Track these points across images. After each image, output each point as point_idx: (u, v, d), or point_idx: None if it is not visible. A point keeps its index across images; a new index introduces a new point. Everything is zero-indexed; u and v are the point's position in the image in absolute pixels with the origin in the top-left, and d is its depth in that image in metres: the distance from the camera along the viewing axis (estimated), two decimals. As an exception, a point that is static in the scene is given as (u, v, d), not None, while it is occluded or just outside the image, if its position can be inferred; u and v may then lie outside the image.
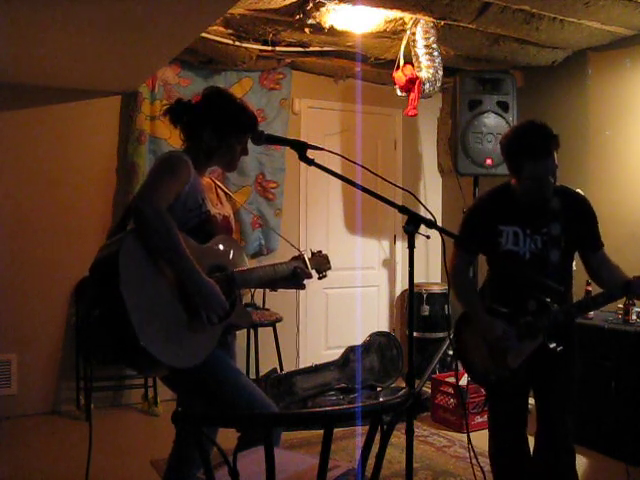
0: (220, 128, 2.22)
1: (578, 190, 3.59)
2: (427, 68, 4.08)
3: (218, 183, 2.43)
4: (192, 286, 2.00)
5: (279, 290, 2.58)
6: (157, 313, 1.94)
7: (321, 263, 2.56)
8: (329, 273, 2.65)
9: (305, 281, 2.45)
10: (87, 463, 2.00)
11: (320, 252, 2.59)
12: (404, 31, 4.10)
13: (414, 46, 4.06)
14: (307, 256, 2.49)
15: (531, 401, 2.60)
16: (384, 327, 5.62)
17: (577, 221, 2.46)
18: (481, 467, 2.79)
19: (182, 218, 2.11)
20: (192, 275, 1.99)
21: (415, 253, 1.89)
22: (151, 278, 1.97)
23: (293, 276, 2.40)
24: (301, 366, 5.03)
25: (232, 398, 2.14)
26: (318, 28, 3.99)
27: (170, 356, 1.94)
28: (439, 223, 1.90)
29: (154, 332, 1.90)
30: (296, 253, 2.50)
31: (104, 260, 1.94)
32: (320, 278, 2.59)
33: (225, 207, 2.38)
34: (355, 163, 2.27)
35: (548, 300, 2.36)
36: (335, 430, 1.38)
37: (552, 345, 2.36)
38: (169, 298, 1.99)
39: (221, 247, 2.22)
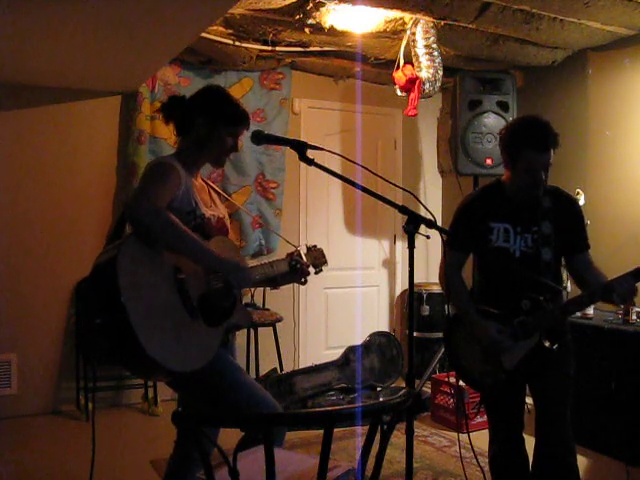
0: (211, 116, 2.23)
1: (578, 190, 3.60)
2: (427, 68, 4.08)
3: (210, 184, 2.43)
4: (218, 268, 2.08)
5: (280, 288, 2.58)
6: (160, 319, 1.93)
7: (317, 257, 2.56)
8: (329, 273, 2.65)
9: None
10: (91, 463, 1.99)
11: (315, 246, 2.58)
12: (404, 31, 4.10)
13: (414, 46, 4.06)
14: (303, 251, 2.49)
15: (529, 400, 2.60)
16: (384, 327, 5.62)
17: (566, 221, 2.46)
18: (481, 467, 2.79)
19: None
20: (216, 260, 2.07)
21: (415, 253, 1.89)
22: (152, 283, 1.95)
23: (291, 271, 2.41)
24: (301, 366, 5.03)
25: (238, 398, 2.14)
26: (318, 28, 3.99)
27: (177, 361, 1.93)
28: (439, 223, 1.90)
29: (159, 340, 1.89)
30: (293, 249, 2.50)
31: (103, 267, 1.92)
32: (317, 273, 2.58)
33: (219, 208, 2.37)
34: (355, 163, 2.28)
35: (542, 299, 2.36)
36: (335, 430, 1.38)
37: (548, 344, 2.36)
38: (171, 302, 1.98)
39: (218, 248, 2.22)
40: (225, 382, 2.16)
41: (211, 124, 2.23)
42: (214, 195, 2.40)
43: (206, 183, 2.40)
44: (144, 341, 1.82)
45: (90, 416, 4.28)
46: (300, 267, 2.42)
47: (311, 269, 2.51)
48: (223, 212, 2.38)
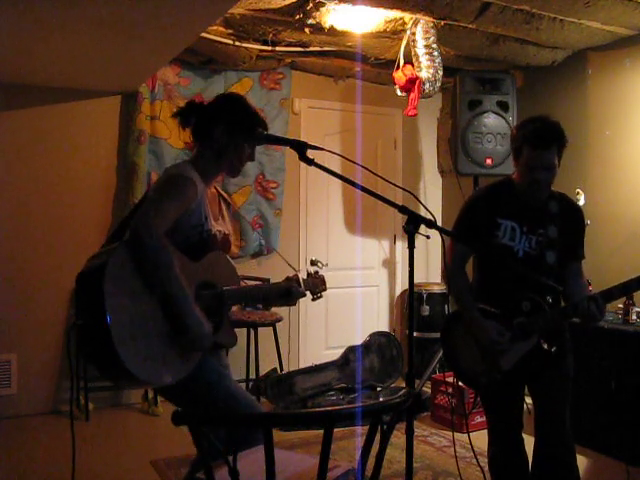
0: (232, 126, 2.20)
1: (578, 190, 3.59)
2: (427, 68, 4.08)
3: (221, 192, 2.41)
4: (185, 321, 1.96)
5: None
6: (140, 330, 1.92)
7: (316, 284, 2.51)
8: (330, 273, 2.63)
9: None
10: (72, 462, 1.98)
11: (317, 273, 2.54)
12: (404, 31, 4.10)
13: (414, 46, 4.06)
14: (302, 276, 2.46)
15: (529, 401, 2.60)
16: (384, 327, 5.62)
17: (570, 228, 2.47)
18: (481, 467, 2.79)
19: (185, 234, 2.11)
20: (188, 312, 1.96)
21: (415, 253, 1.89)
22: (137, 293, 1.94)
23: (287, 294, 2.37)
24: (301, 366, 5.03)
25: (220, 404, 2.13)
26: (318, 28, 3.99)
27: (149, 374, 1.92)
28: (439, 223, 1.90)
29: (135, 349, 1.88)
30: (291, 271, 2.49)
31: (91, 271, 1.92)
32: (314, 299, 2.54)
33: (225, 221, 2.36)
34: (355, 163, 2.27)
35: (542, 301, 2.36)
36: (335, 430, 1.38)
37: (546, 346, 2.36)
38: (154, 314, 1.96)
39: (212, 264, 2.20)
40: (205, 387, 2.14)
41: (231, 134, 2.20)
42: (223, 206, 2.39)
43: (218, 191, 2.38)
44: (119, 348, 1.82)
45: (89, 416, 4.30)
46: (295, 290, 2.38)
47: (308, 295, 2.47)
48: (229, 227, 2.37)
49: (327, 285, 2.56)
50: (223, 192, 2.44)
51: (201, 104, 2.28)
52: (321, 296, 2.56)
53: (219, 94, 2.36)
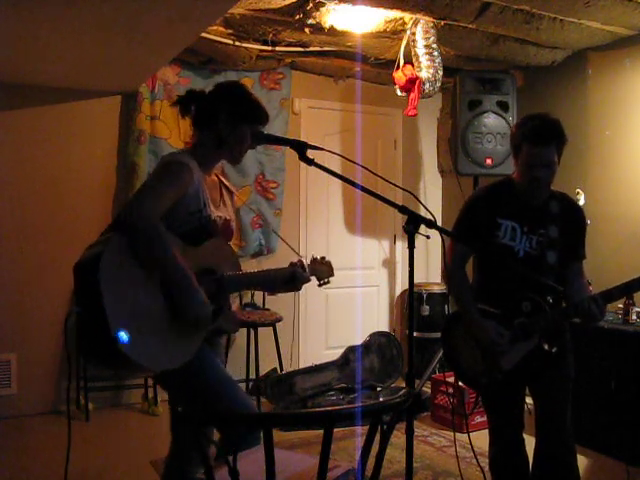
0: (235, 114, 2.19)
1: (578, 190, 3.59)
2: (427, 68, 4.09)
3: (223, 180, 2.39)
4: (186, 302, 1.97)
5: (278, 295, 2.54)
6: (139, 316, 1.91)
7: (322, 270, 2.50)
8: (329, 273, 2.60)
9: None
10: (66, 461, 1.97)
11: (323, 258, 2.52)
12: (404, 31, 4.10)
13: (414, 46, 4.06)
14: (306, 262, 2.45)
15: (530, 401, 2.60)
16: (384, 327, 5.62)
17: (571, 228, 2.47)
18: (481, 467, 2.79)
19: (183, 220, 2.09)
20: (189, 293, 1.96)
21: (415, 253, 1.89)
22: (136, 280, 1.94)
23: (291, 279, 2.36)
24: (301, 366, 5.03)
25: (214, 398, 2.12)
26: (318, 28, 3.99)
27: (149, 359, 1.91)
28: (439, 223, 1.90)
29: (134, 335, 1.87)
30: (296, 258, 2.47)
31: (88, 260, 1.91)
32: (320, 285, 2.52)
33: (228, 208, 2.34)
34: (355, 163, 2.27)
35: (543, 302, 2.36)
36: (335, 430, 1.38)
37: (547, 346, 2.36)
38: (153, 301, 1.96)
39: (213, 250, 2.19)
40: (202, 380, 2.13)
41: (232, 123, 2.19)
42: (225, 193, 2.37)
43: (219, 179, 2.37)
44: (116, 334, 1.81)
45: (89, 416, 4.30)
46: (300, 275, 2.37)
47: (314, 280, 2.46)
48: (230, 213, 2.34)
49: (327, 285, 2.54)
50: (224, 179, 2.41)
51: (201, 92, 2.27)
52: (328, 281, 2.52)
53: (219, 82, 2.33)
